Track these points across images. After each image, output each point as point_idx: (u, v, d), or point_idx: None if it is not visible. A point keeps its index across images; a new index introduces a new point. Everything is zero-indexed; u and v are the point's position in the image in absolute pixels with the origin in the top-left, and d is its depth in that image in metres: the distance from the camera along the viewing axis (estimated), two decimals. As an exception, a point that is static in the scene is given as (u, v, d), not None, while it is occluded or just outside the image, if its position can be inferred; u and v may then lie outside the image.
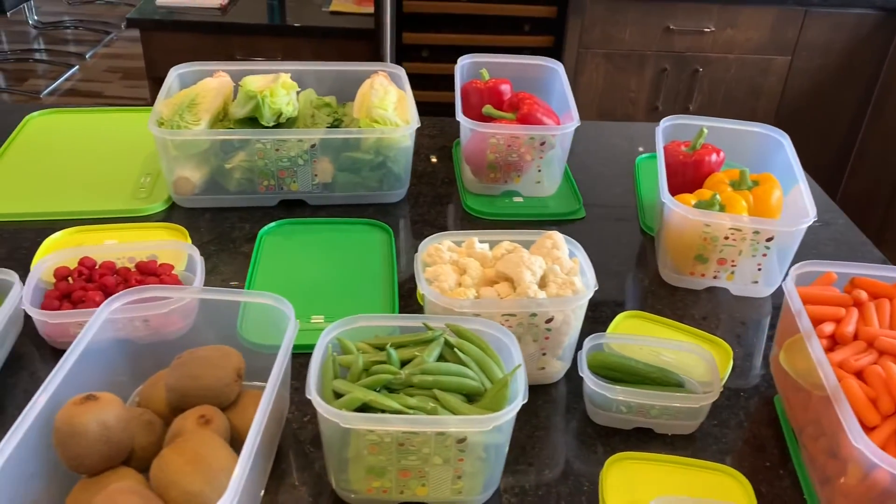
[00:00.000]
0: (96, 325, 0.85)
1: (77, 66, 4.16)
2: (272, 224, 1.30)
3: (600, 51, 2.69)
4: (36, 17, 4.59)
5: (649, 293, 1.21)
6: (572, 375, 1.02)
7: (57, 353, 1.02)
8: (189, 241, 1.23)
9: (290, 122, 1.33)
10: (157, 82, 2.84)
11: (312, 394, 0.77)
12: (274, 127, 1.30)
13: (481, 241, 1.02)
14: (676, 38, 2.67)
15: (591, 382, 0.92)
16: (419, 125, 1.32)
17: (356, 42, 2.68)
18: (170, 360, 0.91)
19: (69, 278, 1.07)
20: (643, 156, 1.57)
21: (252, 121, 1.32)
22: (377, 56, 2.62)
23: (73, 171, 1.41)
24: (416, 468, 0.79)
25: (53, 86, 3.94)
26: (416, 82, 1.52)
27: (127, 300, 0.89)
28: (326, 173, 1.33)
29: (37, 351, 1.03)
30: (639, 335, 1.06)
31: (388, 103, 1.34)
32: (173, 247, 1.14)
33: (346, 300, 1.15)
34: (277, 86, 1.30)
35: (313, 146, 1.29)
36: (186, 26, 2.68)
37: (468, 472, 0.80)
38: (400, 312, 1.11)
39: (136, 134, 1.54)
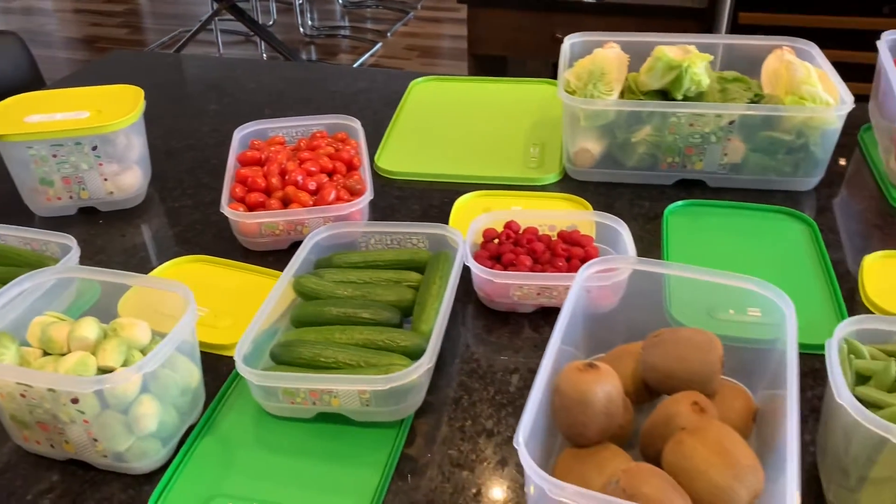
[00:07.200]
0: (575, 291, 0.82)
1: (380, 44, 4.42)
2: (678, 203, 1.22)
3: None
4: (342, -2, 4.96)
5: None
6: None
7: (488, 310, 1.03)
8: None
9: (700, 97, 1.24)
10: (477, 60, 2.91)
11: (846, 398, 0.67)
12: (683, 100, 1.22)
13: None
14: None
15: None
16: (853, 106, 1.17)
17: (683, 21, 2.54)
18: (599, 335, 0.88)
19: (496, 240, 1.08)
20: None
21: (659, 93, 1.25)
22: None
23: (461, 137, 1.44)
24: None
25: (361, 60, 4.23)
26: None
27: (598, 269, 0.86)
28: (737, 153, 1.22)
29: (462, 307, 1.04)
30: None
31: (814, 79, 1.20)
32: (591, 217, 1.10)
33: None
34: (695, 57, 1.22)
35: (731, 122, 1.19)
36: (512, 4, 2.70)
37: None
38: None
39: (513, 104, 1.55)
